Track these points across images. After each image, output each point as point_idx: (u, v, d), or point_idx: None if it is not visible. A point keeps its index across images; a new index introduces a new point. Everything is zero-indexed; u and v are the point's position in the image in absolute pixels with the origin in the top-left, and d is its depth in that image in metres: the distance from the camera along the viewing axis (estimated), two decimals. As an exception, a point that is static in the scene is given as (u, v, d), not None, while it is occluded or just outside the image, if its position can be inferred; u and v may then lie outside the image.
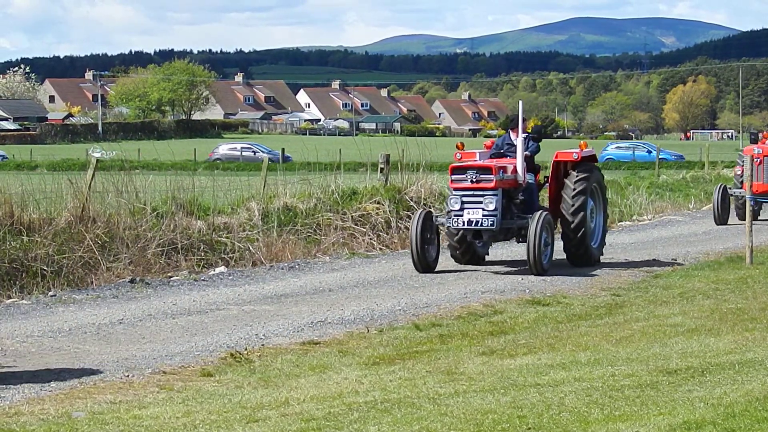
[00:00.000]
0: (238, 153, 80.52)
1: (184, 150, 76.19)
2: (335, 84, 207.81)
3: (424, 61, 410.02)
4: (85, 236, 18.35)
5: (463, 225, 18.53)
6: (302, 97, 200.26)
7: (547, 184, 20.04)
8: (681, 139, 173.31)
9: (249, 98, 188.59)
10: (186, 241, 19.80)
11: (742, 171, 27.95)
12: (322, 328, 13.98)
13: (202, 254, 19.92)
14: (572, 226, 19.31)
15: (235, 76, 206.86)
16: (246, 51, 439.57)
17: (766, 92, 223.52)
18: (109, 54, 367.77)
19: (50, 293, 16.68)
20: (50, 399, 10.16)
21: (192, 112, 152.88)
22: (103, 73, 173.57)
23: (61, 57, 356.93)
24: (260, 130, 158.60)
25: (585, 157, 19.81)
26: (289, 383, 10.73)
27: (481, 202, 18.46)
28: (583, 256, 19.61)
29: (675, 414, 8.61)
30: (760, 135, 31.23)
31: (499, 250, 21.96)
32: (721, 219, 28.49)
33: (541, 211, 18.50)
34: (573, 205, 19.29)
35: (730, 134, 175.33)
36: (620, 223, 29.55)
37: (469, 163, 19.09)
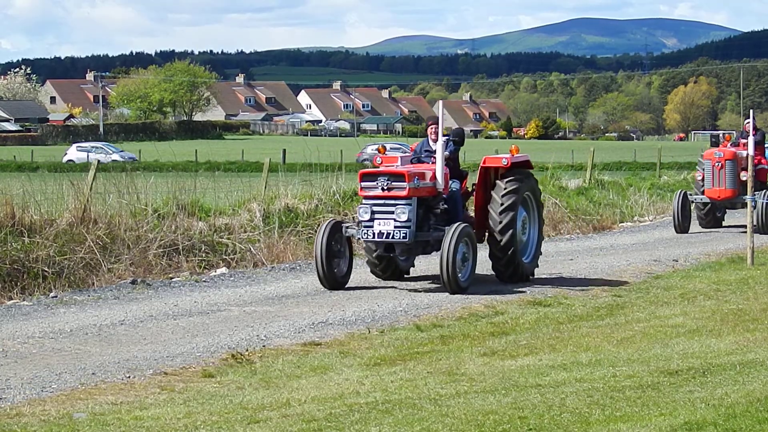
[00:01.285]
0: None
1: (186, 151, 76.22)
2: (336, 85, 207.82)
3: (425, 62, 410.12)
4: (86, 237, 18.35)
5: (373, 237, 16.76)
6: (303, 98, 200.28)
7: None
8: (675, 140, 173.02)
9: (250, 99, 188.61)
10: (187, 242, 19.81)
11: (703, 176, 27.17)
12: (323, 329, 13.98)
13: (204, 255, 19.92)
14: (501, 245, 17.54)
15: (236, 77, 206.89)
16: (247, 52, 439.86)
17: (767, 93, 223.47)
18: (110, 55, 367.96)
19: (51, 294, 16.68)
20: (51, 400, 10.16)
21: (193, 114, 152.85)
22: (104, 74, 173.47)
23: (62, 58, 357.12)
24: (261, 131, 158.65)
25: (517, 164, 18.01)
26: (290, 384, 10.73)
27: (392, 212, 16.70)
28: (513, 275, 17.84)
29: (676, 415, 8.61)
30: (721, 137, 30.20)
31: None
32: (682, 227, 26.84)
33: (458, 223, 16.68)
34: (501, 222, 17.47)
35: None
36: (621, 224, 29.56)
37: (380, 169, 17.32)
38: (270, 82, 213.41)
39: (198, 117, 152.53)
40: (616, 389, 9.69)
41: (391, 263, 17.94)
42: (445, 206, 17.34)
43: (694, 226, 27.55)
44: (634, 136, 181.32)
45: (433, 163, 17.47)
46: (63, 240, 18.14)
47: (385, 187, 16.75)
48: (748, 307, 14.78)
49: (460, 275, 16.61)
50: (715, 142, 28.43)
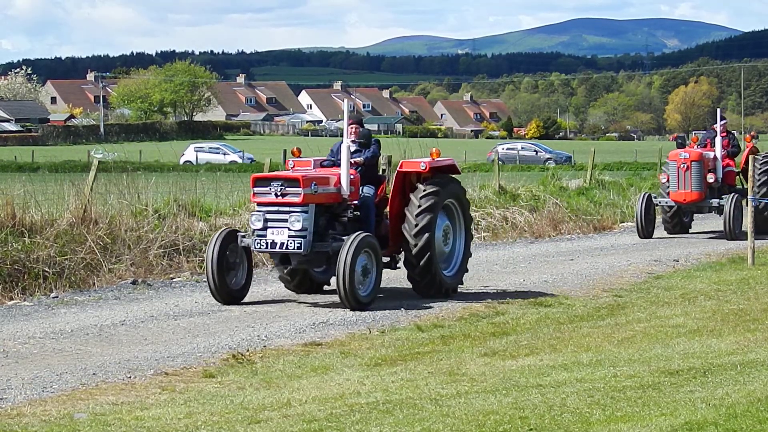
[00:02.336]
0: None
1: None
2: (337, 85, 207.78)
3: (425, 62, 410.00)
4: (87, 238, 18.35)
5: (267, 247, 15.39)
6: (304, 98, 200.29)
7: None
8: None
9: (251, 99, 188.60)
10: (188, 242, 19.81)
11: (668, 178, 26.03)
12: (324, 329, 13.99)
13: (204, 255, 19.89)
14: (415, 250, 15.98)
15: (237, 78, 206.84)
16: (247, 52, 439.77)
17: (767, 93, 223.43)
18: (111, 55, 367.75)
19: (52, 295, 16.69)
20: (52, 400, 10.17)
21: (194, 114, 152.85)
22: (104, 74, 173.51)
23: (63, 58, 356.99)
24: (262, 132, 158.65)
25: (438, 168, 16.59)
26: (291, 384, 10.74)
27: (286, 221, 15.32)
28: (429, 286, 16.26)
29: (677, 415, 8.61)
30: (687, 139, 28.85)
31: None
32: (646, 232, 25.59)
33: (359, 233, 15.18)
34: (417, 225, 15.96)
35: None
36: (622, 224, 29.55)
37: (274, 173, 16.13)
38: (271, 83, 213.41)
39: (199, 117, 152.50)
40: (616, 389, 9.69)
41: (306, 275, 16.61)
42: (358, 213, 16.09)
43: (659, 231, 26.47)
44: (635, 136, 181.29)
45: (350, 166, 16.04)
46: (64, 240, 18.14)
47: (279, 193, 15.35)
48: (748, 308, 14.78)
49: (360, 290, 15.10)
50: (681, 143, 27.10)
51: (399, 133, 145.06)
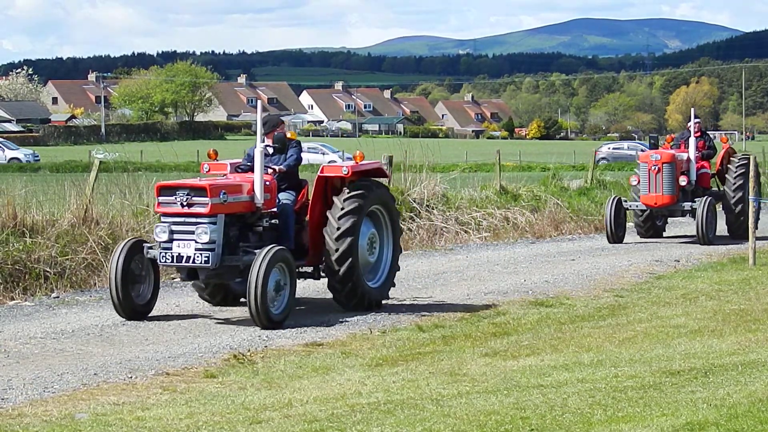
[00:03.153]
0: None
1: (187, 151, 76.12)
2: (338, 85, 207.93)
3: (426, 62, 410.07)
4: (88, 238, 18.35)
5: (172, 261, 14.18)
6: (305, 98, 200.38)
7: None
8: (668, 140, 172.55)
9: (252, 100, 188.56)
10: (189, 242, 19.78)
11: (639, 180, 24.94)
12: (324, 329, 13.99)
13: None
14: (336, 255, 14.76)
15: (238, 78, 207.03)
16: (249, 52, 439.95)
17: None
18: (112, 56, 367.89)
19: (53, 295, 16.70)
20: (53, 400, 10.17)
21: (195, 114, 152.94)
22: (105, 74, 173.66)
23: (64, 59, 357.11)
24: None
25: (364, 172, 15.40)
26: (292, 384, 10.74)
27: (192, 233, 14.06)
28: (351, 296, 15.05)
29: (678, 415, 8.61)
30: (660, 140, 27.71)
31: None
32: (616, 236, 24.47)
33: (272, 246, 14.03)
34: (339, 228, 14.76)
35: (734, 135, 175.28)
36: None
37: (179, 181, 14.73)
38: (272, 83, 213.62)
39: (200, 117, 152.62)
40: (618, 389, 9.69)
41: (222, 286, 15.49)
42: (275, 222, 14.82)
43: (630, 235, 25.43)
44: (636, 136, 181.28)
45: (267, 172, 14.82)
46: (65, 240, 18.15)
47: (185, 203, 14.07)
48: (749, 308, 14.78)
49: (272, 307, 13.88)
50: (654, 144, 26.10)
51: (400, 133, 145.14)
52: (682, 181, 24.61)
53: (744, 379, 9.94)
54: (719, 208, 25.50)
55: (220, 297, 15.68)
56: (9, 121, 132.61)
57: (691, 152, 25.27)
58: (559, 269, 19.65)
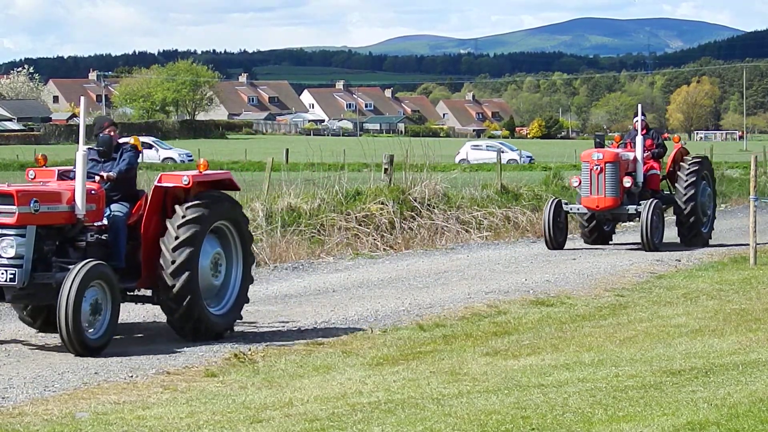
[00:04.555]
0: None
1: (188, 150, 76.37)
2: (339, 84, 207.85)
3: (428, 61, 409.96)
4: (89, 237, 18.33)
5: None
6: (306, 97, 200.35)
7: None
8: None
9: (253, 99, 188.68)
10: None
11: (580, 182, 23.01)
12: (325, 328, 13.99)
13: None
14: (172, 268, 12.82)
15: (239, 77, 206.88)
16: (250, 51, 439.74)
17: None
18: (113, 54, 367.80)
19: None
20: (54, 399, 10.17)
21: (196, 113, 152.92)
22: (106, 73, 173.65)
23: (65, 57, 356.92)
24: (264, 131, 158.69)
25: (209, 183, 13.53)
26: (292, 384, 10.74)
27: None
28: (186, 318, 13.02)
29: (679, 415, 8.61)
30: (607, 141, 25.95)
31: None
32: (555, 242, 22.60)
33: (87, 261, 12.17)
34: (177, 238, 12.82)
35: (735, 135, 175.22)
36: (624, 223, 29.51)
37: None
38: (273, 82, 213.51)
39: (201, 116, 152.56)
40: (618, 389, 9.68)
41: (42, 307, 13.25)
42: (104, 238, 12.98)
43: (573, 241, 23.87)
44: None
45: (90, 179, 12.91)
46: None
47: None
48: (750, 307, 14.78)
49: (88, 331, 12.10)
50: (599, 143, 23.91)
51: (401, 132, 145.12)
52: (627, 182, 22.77)
53: (745, 378, 9.94)
54: (672, 213, 24.16)
55: (41, 320, 13.44)
56: (10, 119, 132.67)
57: (638, 151, 23.36)
58: (560, 268, 19.65)
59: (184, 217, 12.96)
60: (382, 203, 23.88)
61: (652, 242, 22.23)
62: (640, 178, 23.32)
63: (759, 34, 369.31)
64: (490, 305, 15.63)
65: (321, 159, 27.72)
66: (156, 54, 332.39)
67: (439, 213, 25.03)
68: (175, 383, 10.87)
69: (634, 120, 24.13)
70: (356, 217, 23.25)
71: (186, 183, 13.09)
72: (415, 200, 24.70)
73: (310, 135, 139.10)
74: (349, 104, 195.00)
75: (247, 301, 14.07)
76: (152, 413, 9.48)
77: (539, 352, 12.08)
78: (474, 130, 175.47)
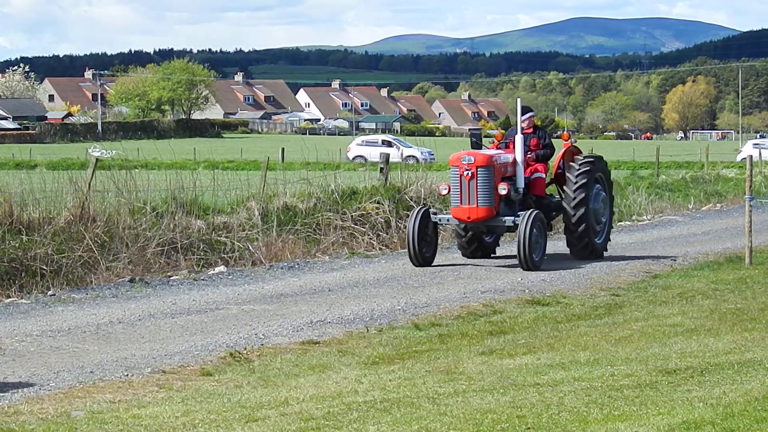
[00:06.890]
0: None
1: (184, 149, 76.20)
2: (335, 84, 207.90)
3: (424, 61, 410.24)
4: (85, 236, 18.34)
5: None
6: (302, 96, 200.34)
7: None
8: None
9: (249, 98, 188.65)
10: (186, 240, 19.80)
11: (449, 189, 19.86)
12: (321, 327, 13.99)
13: (202, 254, 19.92)
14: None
15: (235, 76, 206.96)
16: (246, 50, 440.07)
17: (765, 92, 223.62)
18: (109, 53, 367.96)
19: (50, 293, 16.68)
20: (49, 398, 10.16)
21: (192, 112, 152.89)
22: (102, 72, 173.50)
23: (61, 56, 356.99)
24: (260, 130, 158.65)
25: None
26: (288, 383, 10.73)
27: None
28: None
29: (674, 414, 8.61)
30: (487, 136, 22.26)
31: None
32: (421, 257, 19.44)
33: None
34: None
35: (730, 134, 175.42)
36: (620, 223, 29.52)
37: None
38: (269, 81, 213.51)
39: (196, 115, 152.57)
40: (614, 388, 9.69)
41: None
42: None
43: (444, 254, 21.10)
44: (633, 135, 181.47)
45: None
46: (61, 238, 18.13)
47: None
48: (746, 307, 14.79)
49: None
50: (475, 142, 20.55)
51: (397, 131, 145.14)
52: (503, 189, 19.44)
53: (740, 378, 9.94)
54: (561, 223, 21.25)
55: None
56: (5, 118, 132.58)
57: (518, 153, 20.11)
58: (555, 268, 19.64)
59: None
60: (378, 202, 23.86)
61: (530, 260, 18.94)
62: (521, 184, 20.12)
63: (755, 33, 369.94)
64: (485, 304, 15.63)
65: (317, 158, 27.71)
66: (152, 53, 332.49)
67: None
68: (170, 382, 10.87)
69: (521, 118, 20.77)
70: (352, 216, 23.23)
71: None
72: (411, 199, 24.68)
73: (305, 134, 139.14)
74: (345, 103, 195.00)
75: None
76: (148, 412, 9.48)
77: (535, 351, 12.09)
78: (469, 130, 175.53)
